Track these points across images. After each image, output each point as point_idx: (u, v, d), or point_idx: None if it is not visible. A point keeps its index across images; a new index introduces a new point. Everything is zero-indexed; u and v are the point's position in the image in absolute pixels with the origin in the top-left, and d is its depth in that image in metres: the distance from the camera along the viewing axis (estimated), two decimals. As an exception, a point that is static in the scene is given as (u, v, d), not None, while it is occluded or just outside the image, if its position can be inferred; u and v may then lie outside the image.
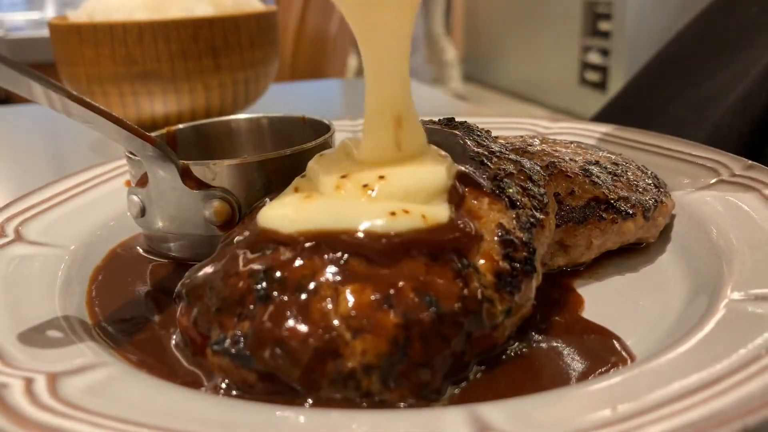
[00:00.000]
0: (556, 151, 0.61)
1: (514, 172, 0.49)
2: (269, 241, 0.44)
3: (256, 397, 0.39)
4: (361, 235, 0.42)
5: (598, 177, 0.56)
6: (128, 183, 0.68)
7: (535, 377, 0.41)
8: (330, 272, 0.41)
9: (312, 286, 0.40)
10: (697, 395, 0.33)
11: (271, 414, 0.36)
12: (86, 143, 1.08)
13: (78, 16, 1.01)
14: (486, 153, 0.52)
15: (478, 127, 0.58)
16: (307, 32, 2.22)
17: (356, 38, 0.47)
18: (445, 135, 0.55)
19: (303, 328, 0.39)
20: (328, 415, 0.36)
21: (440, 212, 0.44)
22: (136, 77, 0.93)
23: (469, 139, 0.54)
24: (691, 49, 1.05)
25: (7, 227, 0.58)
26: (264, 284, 0.41)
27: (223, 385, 0.41)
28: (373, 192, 0.44)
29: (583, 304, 0.50)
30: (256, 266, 0.42)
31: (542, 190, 0.49)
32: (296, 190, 0.49)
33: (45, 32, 1.06)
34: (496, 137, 0.61)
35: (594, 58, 4.38)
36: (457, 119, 0.60)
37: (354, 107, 1.52)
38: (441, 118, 0.60)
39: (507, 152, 0.52)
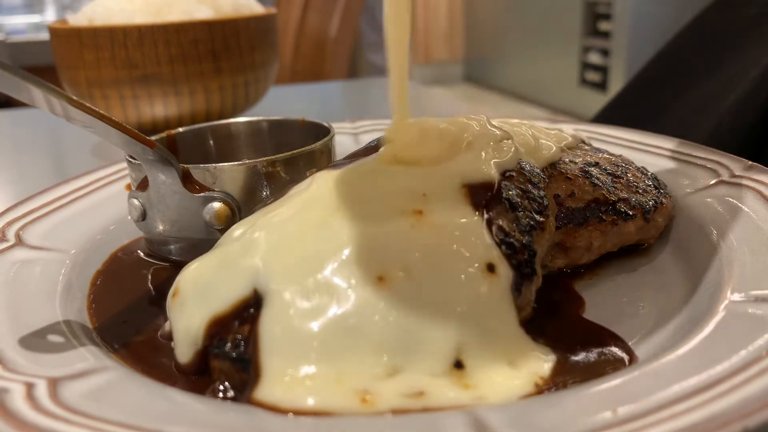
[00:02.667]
0: (555, 152, 0.61)
1: (514, 174, 0.49)
2: None
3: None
4: None
5: (597, 178, 0.56)
6: (129, 187, 0.68)
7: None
8: None
9: None
10: (697, 397, 0.33)
11: (272, 418, 0.36)
12: (87, 147, 1.09)
13: (78, 19, 1.01)
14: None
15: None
16: (307, 34, 2.22)
17: None
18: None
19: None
20: (329, 419, 0.36)
21: None
22: (136, 81, 0.93)
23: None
24: (691, 50, 1.05)
25: (8, 231, 0.58)
26: None
27: (223, 389, 0.41)
28: None
29: (583, 306, 0.50)
30: None
31: (542, 193, 0.49)
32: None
33: (45, 36, 1.06)
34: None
35: (594, 58, 4.38)
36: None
37: (354, 109, 1.52)
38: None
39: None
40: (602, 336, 0.46)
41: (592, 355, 0.43)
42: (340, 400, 0.37)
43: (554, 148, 0.57)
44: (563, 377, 0.40)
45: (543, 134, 0.60)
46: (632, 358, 0.42)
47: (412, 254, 0.41)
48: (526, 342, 0.42)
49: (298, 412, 0.36)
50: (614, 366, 0.41)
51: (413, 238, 0.42)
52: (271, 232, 0.44)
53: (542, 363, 0.41)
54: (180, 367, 0.43)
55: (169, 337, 0.46)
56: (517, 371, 0.40)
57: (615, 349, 0.44)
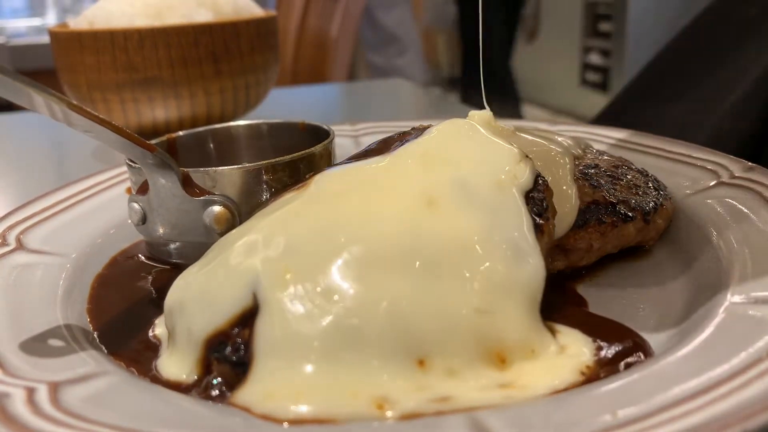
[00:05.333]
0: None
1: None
2: None
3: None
4: None
5: (597, 180, 0.56)
6: (129, 191, 0.68)
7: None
8: None
9: None
10: (697, 399, 0.33)
11: (273, 422, 0.36)
12: (88, 150, 1.09)
13: (79, 23, 1.01)
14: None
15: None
16: (308, 36, 2.22)
17: None
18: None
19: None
20: (330, 425, 0.36)
21: None
22: (136, 84, 0.93)
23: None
24: (692, 51, 1.05)
25: (8, 236, 0.58)
26: None
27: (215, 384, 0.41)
28: None
29: (585, 307, 0.50)
30: None
31: (542, 195, 0.49)
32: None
33: (46, 39, 1.06)
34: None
35: (595, 59, 4.38)
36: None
37: (355, 112, 1.53)
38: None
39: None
40: (613, 328, 0.46)
41: (612, 345, 0.43)
42: (351, 406, 0.36)
43: (569, 165, 0.57)
44: (605, 366, 0.40)
45: (553, 143, 0.60)
46: (648, 350, 0.42)
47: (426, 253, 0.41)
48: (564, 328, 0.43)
49: (297, 419, 0.36)
50: (634, 356, 0.41)
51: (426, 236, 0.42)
52: (269, 235, 0.44)
53: (585, 350, 0.42)
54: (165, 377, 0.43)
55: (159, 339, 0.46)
56: (562, 358, 0.40)
57: (630, 340, 0.44)
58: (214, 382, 0.41)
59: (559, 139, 0.62)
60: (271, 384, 0.38)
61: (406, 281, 0.40)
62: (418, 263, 0.41)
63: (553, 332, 0.43)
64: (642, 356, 0.41)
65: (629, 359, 0.41)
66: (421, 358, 0.38)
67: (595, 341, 0.43)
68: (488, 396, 0.37)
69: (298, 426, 0.36)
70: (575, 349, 0.42)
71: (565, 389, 0.38)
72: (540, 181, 0.50)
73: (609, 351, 0.42)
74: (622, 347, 0.42)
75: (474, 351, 0.39)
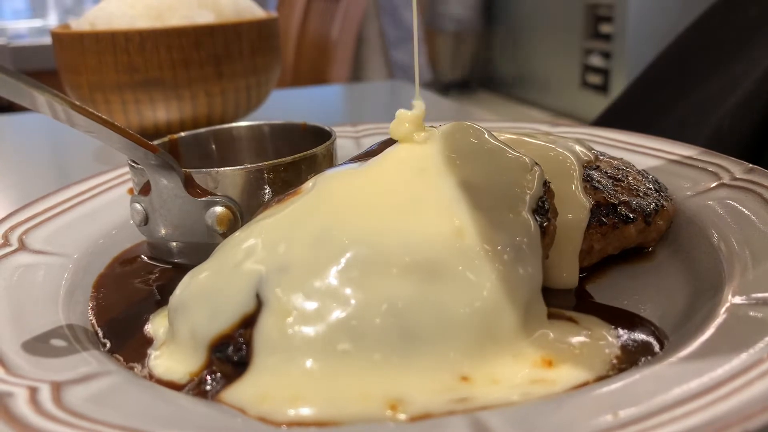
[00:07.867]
0: (556, 156, 0.61)
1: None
2: None
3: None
4: None
5: (598, 182, 0.57)
6: (131, 191, 0.68)
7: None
8: None
9: None
10: (698, 400, 0.33)
11: (269, 424, 0.36)
12: (90, 151, 1.09)
13: (80, 24, 1.01)
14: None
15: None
16: (309, 37, 2.23)
17: None
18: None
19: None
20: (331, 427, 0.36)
21: None
22: (138, 85, 0.94)
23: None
24: (692, 52, 1.05)
25: (11, 236, 0.58)
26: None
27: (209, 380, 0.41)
28: None
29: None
30: None
31: (545, 197, 0.49)
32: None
33: (48, 40, 1.06)
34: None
35: (595, 60, 4.38)
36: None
37: (356, 113, 1.53)
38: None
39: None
40: (626, 316, 0.46)
41: (631, 332, 0.44)
42: (360, 407, 0.36)
43: (579, 178, 0.56)
44: (630, 354, 0.41)
45: (562, 147, 0.59)
46: (662, 337, 0.43)
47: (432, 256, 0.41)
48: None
49: (295, 421, 0.36)
50: (653, 345, 0.42)
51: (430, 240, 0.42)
52: (273, 237, 0.44)
53: (607, 334, 0.42)
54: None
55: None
56: (591, 346, 0.41)
57: (646, 329, 0.44)
58: (209, 379, 0.41)
59: (569, 143, 0.61)
60: (267, 383, 0.38)
61: (410, 283, 0.40)
62: (421, 264, 0.41)
63: (572, 320, 0.43)
64: (658, 345, 0.42)
65: (650, 348, 0.42)
66: (464, 375, 0.38)
67: (614, 328, 0.43)
68: (509, 395, 0.37)
69: (297, 428, 0.36)
70: (598, 332, 0.42)
71: (596, 380, 0.38)
72: (546, 185, 0.50)
73: (629, 337, 0.42)
74: (641, 334, 0.43)
75: (490, 348, 0.39)
